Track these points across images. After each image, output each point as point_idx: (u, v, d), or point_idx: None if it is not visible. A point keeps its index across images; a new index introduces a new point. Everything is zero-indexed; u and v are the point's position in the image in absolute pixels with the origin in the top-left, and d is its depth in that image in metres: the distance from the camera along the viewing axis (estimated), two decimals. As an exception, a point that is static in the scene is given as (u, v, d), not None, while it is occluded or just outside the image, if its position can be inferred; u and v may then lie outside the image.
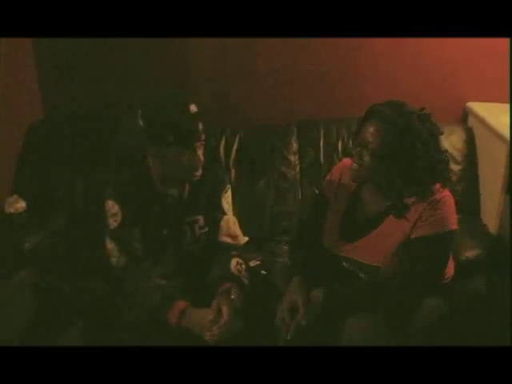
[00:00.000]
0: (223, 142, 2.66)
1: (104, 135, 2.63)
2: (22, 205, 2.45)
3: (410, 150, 1.69)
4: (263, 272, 2.16)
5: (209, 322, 1.74)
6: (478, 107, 2.66)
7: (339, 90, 2.77)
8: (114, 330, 1.87)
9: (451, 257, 1.92)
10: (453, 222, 1.75)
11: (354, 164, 1.80)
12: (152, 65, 2.77)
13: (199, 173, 1.85)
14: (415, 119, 1.71)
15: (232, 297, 1.80)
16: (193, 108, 1.74)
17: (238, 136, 2.68)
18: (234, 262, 1.90)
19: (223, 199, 1.98)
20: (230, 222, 1.99)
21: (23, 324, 2.05)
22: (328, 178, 2.03)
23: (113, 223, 1.88)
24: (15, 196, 2.48)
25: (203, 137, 1.79)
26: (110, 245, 1.89)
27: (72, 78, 2.80)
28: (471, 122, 2.71)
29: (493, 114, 2.54)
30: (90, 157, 2.59)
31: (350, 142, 2.55)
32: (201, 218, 1.95)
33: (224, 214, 1.98)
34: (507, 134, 2.27)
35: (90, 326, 1.91)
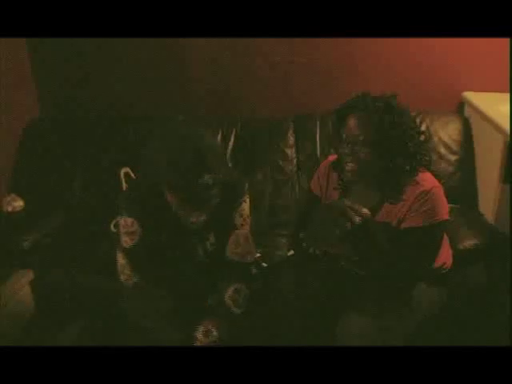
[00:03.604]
0: (220, 135, 2.67)
1: (100, 133, 2.65)
2: (20, 203, 2.46)
3: (398, 128, 1.69)
4: (264, 264, 2.17)
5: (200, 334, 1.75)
6: (475, 97, 2.66)
7: (336, 83, 2.77)
8: (113, 327, 1.88)
9: (449, 246, 1.93)
10: (443, 212, 1.74)
11: (349, 164, 1.74)
12: (150, 60, 2.79)
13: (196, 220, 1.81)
14: (390, 100, 1.72)
15: (212, 338, 1.75)
16: (207, 180, 1.64)
17: (234, 130, 2.68)
18: (230, 289, 1.82)
19: (236, 214, 1.89)
20: (241, 238, 1.88)
21: (24, 321, 2.05)
22: (315, 177, 2.01)
23: (129, 241, 1.82)
24: (13, 195, 2.49)
25: (213, 202, 1.74)
26: (123, 260, 1.84)
27: (68, 77, 2.81)
28: (467, 111, 2.71)
29: (489, 103, 2.53)
30: (88, 154, 2.61)
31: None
32: (211, 235, 1.89)
33: (236, 229, 1.89)
34: (504, 124, 2.26)
35: (90, 322, 1.92)
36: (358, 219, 1.61)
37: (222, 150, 1.76)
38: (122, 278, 1.83)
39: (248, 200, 1.92)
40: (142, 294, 1.82)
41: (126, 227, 1.81)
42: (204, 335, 1.74)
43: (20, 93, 2.76)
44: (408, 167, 1.75)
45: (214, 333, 1.74)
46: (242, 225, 1.89)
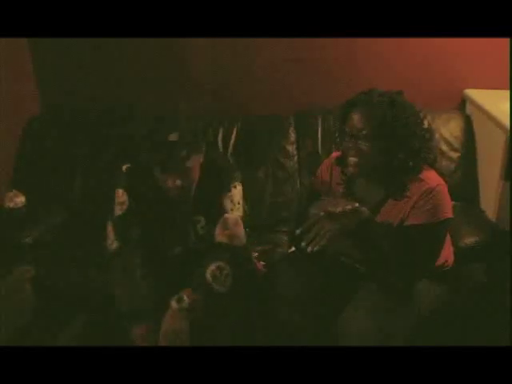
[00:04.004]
0: (221, 132, 2.67)
1: (102, 129, 2.65)
2: (21, 199, 2.46)
3: (400, 123, 1.70)
4: (262, 263, 2.18)
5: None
6: (476, 94, 2.65)
7: (337, 82, 2.77)
8: (113, 323, 1.89)
9: (451, 244, 1.93)
10: (447, 211, 1.74)
11: (351, 158, 1.76)
12: (150, 60, 2.78)
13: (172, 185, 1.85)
14: (395, 95, 1.73)
15: (183, 305, 1.77)
16: (172, 137, 1.74)
17: (235, 127, 2.68)
18: (213, 265, 1.82)
19: (225, 199, 1.93)
20: (230, 221, 1.92)
21: (24, 318, 2.06)
22: (318, 174, 2.02)
23: (118, 211, 1.94)
24: (15, 191, 2.49)
25: (186, 165, 1.79)
26: (109, 228, 1.94)
27: (69, 76, 2.82)
28: (469, 109, 2.70)
29: (491, 100, 2.53)
30: (89, 151, 2.61)
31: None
32: (202, 218, 1.94)
33: (224, 213, 1.94)
34: (505, 121, 2.26)
35: (90, 320, 1.93)
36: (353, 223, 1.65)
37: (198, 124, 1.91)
38: (107, 243, 1.93)
39: (240, 187, 1.96)
40: (119, 260, 1.90)
41: (118, 198, 1.94)
42: (177, 301, 1.76)
43: (21, 91, 2.76)
44: (411, 164, 1.75)
45: (186, 300, 1.75)
46: (231, 209, 1.93)
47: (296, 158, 2.67)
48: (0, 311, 1.99)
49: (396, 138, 1.71)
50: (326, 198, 1.86)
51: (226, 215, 1.92)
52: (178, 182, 1.79)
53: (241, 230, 1.93)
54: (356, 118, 1.73)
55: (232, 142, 2.64)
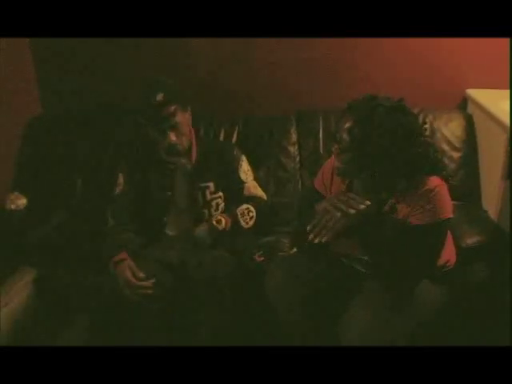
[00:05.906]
0: (222, 133, 2.67)
1: (103, 130, 2.65)
2: (23, 201, 2.47)
3: (375, 142, 1.65)
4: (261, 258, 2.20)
5: (131, 278, 1.96)
6: (478, 94, 2.65)
7: (338, 80, 2.77)
8: (117, 322, 1.89)
9: (452, 244, 1.93)
10: (446, 211, 1.73)
11: (336, 163, 1.78)
12: (150, 60, 2.79)
13: (182, 159, 2.13)
14: (381, 111, 1.66)
15: (220, 226, 2.10)
16: (159, 97, 1.97)
17: (237, 127, 2.68)
18: (244, 206, 2.19)
19: (240, 173, 2.24)
20: (251, 188, 2.28)
21: (26, 319, 2.06)
22: (320, 175, 2.02)
23: (116, 191, 2.19)
24: (16, 193, 2.49)
25: (176, 119, 2.02)
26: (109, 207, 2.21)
27: (70, 76, 2.83)
28: (471, 108, 2.70)
29: (492, 100, 2.52)
30: (90, 152, 2.61)
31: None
32: (211, 185, 2.18)
33: (244, 183, 2.25)
34: (507, 121, 2.25)
35: (92, 321, 1.93)
36: (353, 211, 1.69)
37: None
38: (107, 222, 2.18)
39: (245, 159, 2.29)
40: (114, 234, 2.12)
41: (118, 180, 2.18)
42: (216, 222, 2.11)
43: (22, 91, 2.77)
44: (381, 186, 1.75)
45: (223, 222, 2.12)
46: (246, 178, 2.27)
47: (297, 158, 2.67)
48: (2, 312, 2.00)
49: (365, 156, 1.68)
50: (331, 196, 1.86)
51: (247, 185, 2.26)
52: (172, 137, 2.03)
53: (259, 190, 2.33)
54: (344, 126, 1.70)
55: (233, 142, 2.64)
